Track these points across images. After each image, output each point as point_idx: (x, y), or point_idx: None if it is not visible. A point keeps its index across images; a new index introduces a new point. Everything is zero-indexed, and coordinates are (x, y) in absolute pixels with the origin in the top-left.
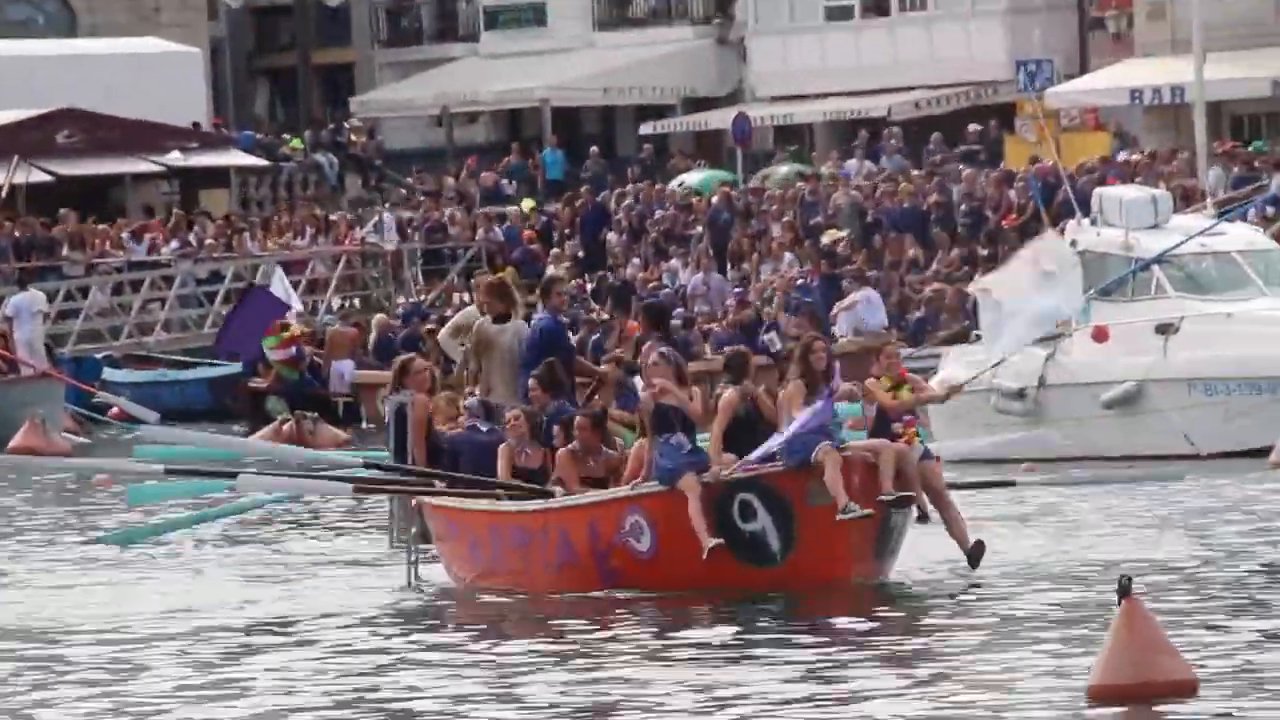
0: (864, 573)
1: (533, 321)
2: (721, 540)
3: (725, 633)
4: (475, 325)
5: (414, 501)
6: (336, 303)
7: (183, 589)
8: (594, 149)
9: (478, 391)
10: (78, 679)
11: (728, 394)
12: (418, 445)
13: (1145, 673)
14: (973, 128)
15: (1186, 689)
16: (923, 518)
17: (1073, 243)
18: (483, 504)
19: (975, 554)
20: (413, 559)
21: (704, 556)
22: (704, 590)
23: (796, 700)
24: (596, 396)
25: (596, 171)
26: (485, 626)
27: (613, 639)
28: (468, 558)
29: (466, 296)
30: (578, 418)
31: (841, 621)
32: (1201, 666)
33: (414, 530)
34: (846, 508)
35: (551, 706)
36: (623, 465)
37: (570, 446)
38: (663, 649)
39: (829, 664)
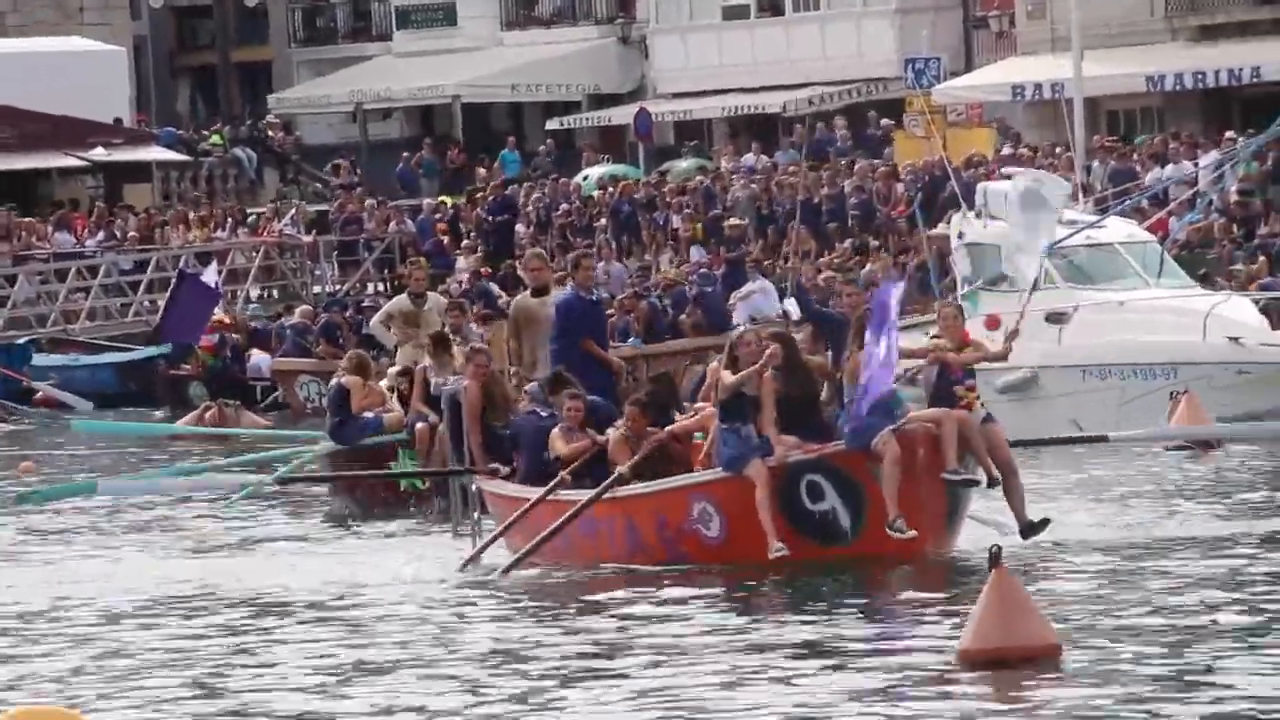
0: (935, 545)
1: (559, 296)
2: (785, 550)
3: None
4: (514, 301)
5: (474, 487)
6: (255, 292)
7: (275, 571)
8: (510, 138)
9: (522, 369)
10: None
11: (767, 377)
12: (473, 433)
13: (1011, 637)
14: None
15: (1050, 652)
16: (992, 482)
17: (960, 235)
18: (550, 498)
19: (1033, 528)
20: (476, 545)
21: (771, 556)
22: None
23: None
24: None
25: (545, 167)
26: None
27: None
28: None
29: (381, 286)
30: (627, 405)
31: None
32: (1069, 632)
33: (477, 516)
34: (894, 524)
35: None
36: (670, 446)
37: (621, 431)
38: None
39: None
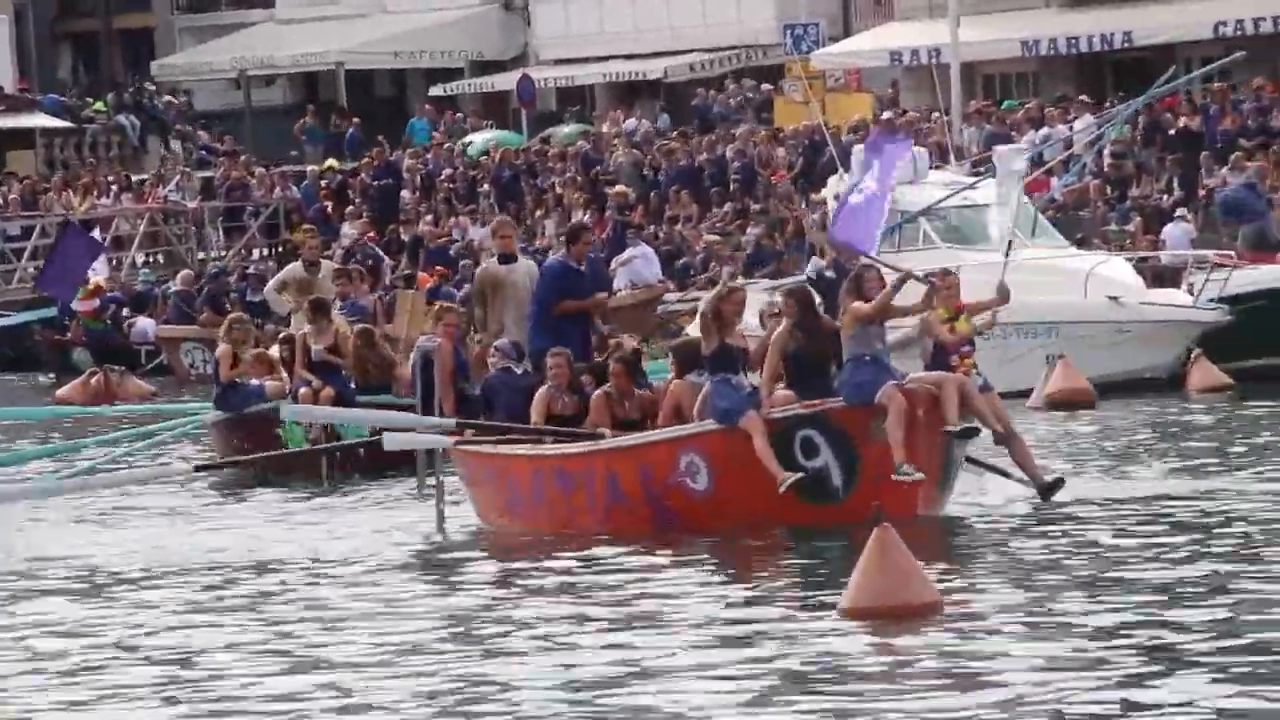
0: (927, 505)
1: (546, 261)
2: (801, 475)
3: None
4: (480, 269)
5: (441, 449)
6: (141, 259)
7: (219, 534)
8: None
9: (486, 336)
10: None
11: (779, 330)
12: (445, 393)
13: (893, 595)
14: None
15: (931, 610)
16: (999, 439)
17: (836, 196)
18: (523, 448)
19: (1051, 488)
20: (442, 505)
21: (781, 491)
22: (760, 527)
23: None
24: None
25: (455, 130)
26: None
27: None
28: (503, 503)
29: (266, 252)
30: (611, 362)
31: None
32: (950, 591)
33: (440, 478)
34: (901, 468)
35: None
36: (656, 406)
37: (604, 389)
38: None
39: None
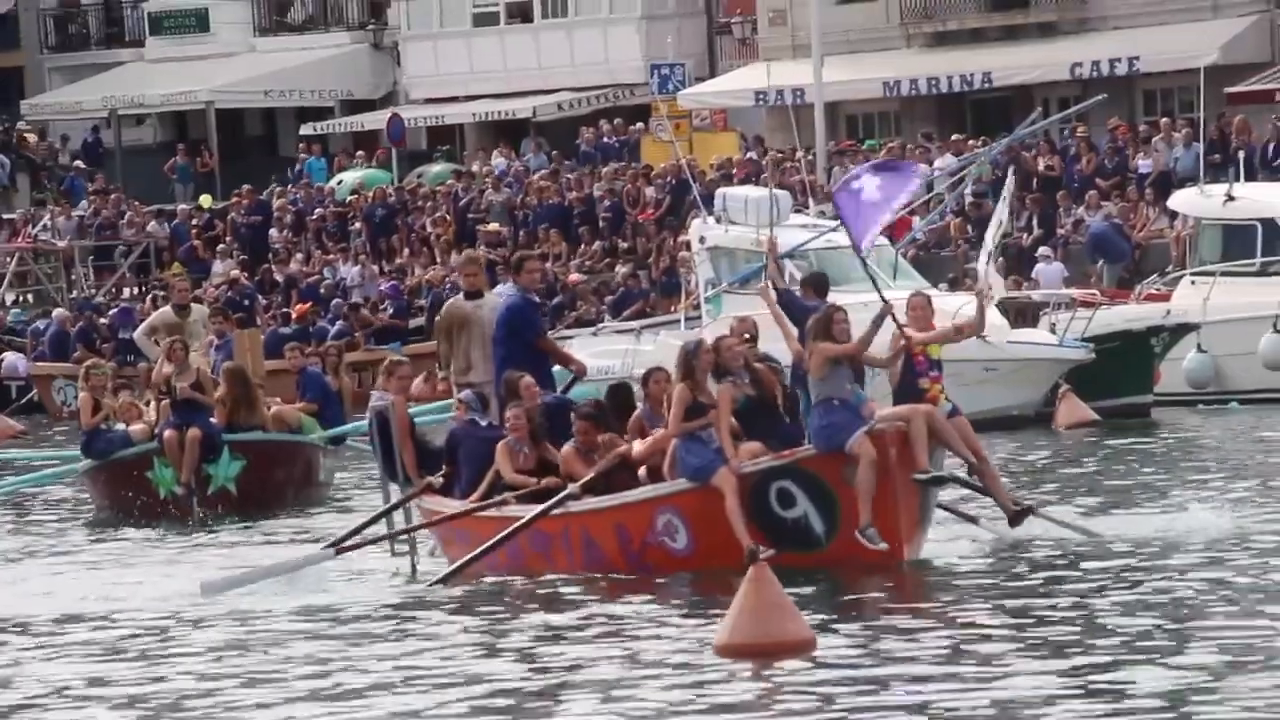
0: (911, 544)
1: (503, 299)
2: (767, 549)
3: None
4: (446, 304)
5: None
6: (11, 297)
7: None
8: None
9: (452, 374)
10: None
11: (723, 387)
12: (405, 449)
13: (767, 632)
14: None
15: (805, 647)
16: (973, 470)
17: (701, 239)
18: (492, 512)
19: (1020, 515)
20: (415, 561)
21: (747, 564)
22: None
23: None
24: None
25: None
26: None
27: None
28: (483, 565)
29: (137, 290)
30: (574, 419)
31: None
32: (824, 628)
33: (414, 534)
34: (865, 531)
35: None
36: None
37: (573, 444)
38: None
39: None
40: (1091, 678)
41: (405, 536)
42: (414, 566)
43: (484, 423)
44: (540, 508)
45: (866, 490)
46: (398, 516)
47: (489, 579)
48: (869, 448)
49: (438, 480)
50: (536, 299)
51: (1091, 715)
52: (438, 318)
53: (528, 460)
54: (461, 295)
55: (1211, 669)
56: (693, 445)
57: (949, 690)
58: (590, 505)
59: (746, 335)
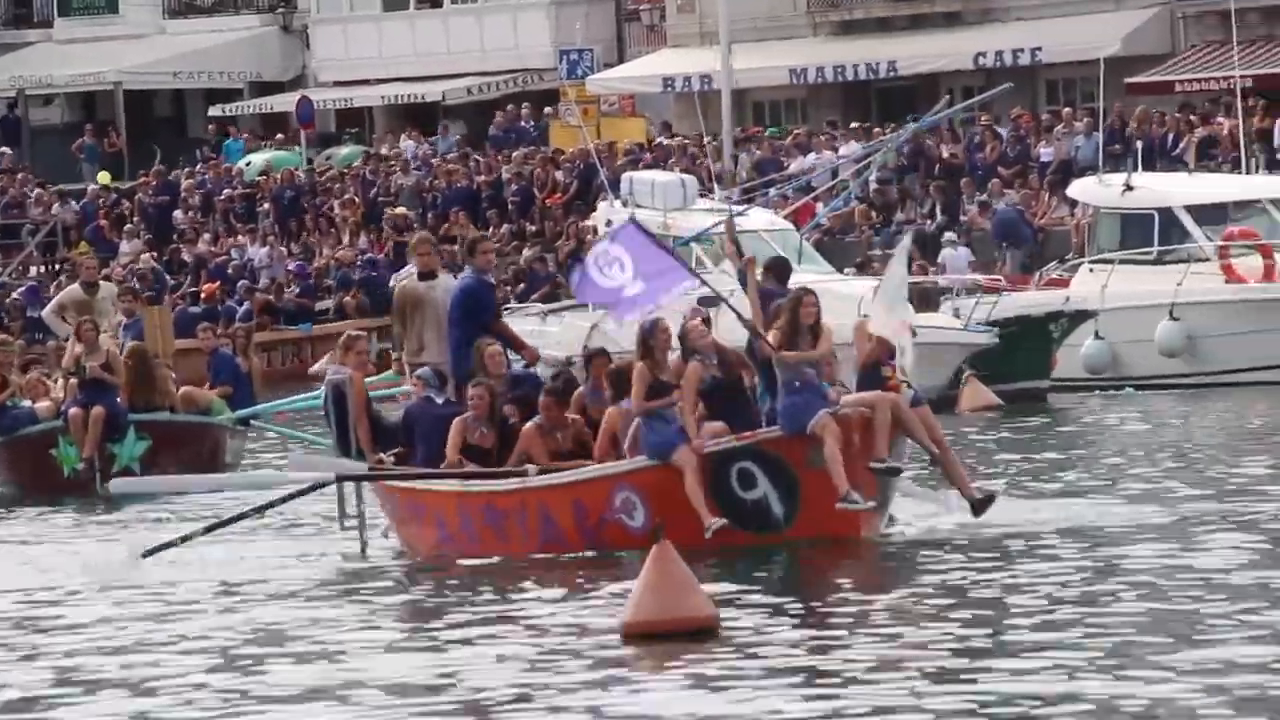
0: (868, 529)
1: (457, 280)
2: (725, 521)
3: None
4: (399, 286)
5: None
6: None
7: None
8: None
9: (405, 354)
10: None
11: (691, 365)
12: (360, 424)
13: (671, 610)
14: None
15: (708, 625)
16: (935, 461)
17: (608, 222)
18: (449, 484)
19: (983, 504)
20: (364, 538)
21: (708, 536)
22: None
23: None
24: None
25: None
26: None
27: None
28: (432, 538)
29: (43, 269)
30: (541, 395)
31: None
32: (728, 606)
33: (363, 510)
34: (847, 496)
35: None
36: (590, 438)
37: (536, 421)
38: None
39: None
40: (988, 660)
41: (355, 516)
42: (363, 545)
43: (440, 400)
44: (501, 473)
45: (837, 465)
46: (348, 492)
47: (425, 560)
48: (833, 427)
49: (389, 457)
50: (492, 281)
51: (990, 694)
52: (394, 299)
53: (484, 439)
54: (415, 276)
55: (1110, 650)
56: (655, 423)
57: (853, 663)
58: (548, 481)
59: (701, 319)
